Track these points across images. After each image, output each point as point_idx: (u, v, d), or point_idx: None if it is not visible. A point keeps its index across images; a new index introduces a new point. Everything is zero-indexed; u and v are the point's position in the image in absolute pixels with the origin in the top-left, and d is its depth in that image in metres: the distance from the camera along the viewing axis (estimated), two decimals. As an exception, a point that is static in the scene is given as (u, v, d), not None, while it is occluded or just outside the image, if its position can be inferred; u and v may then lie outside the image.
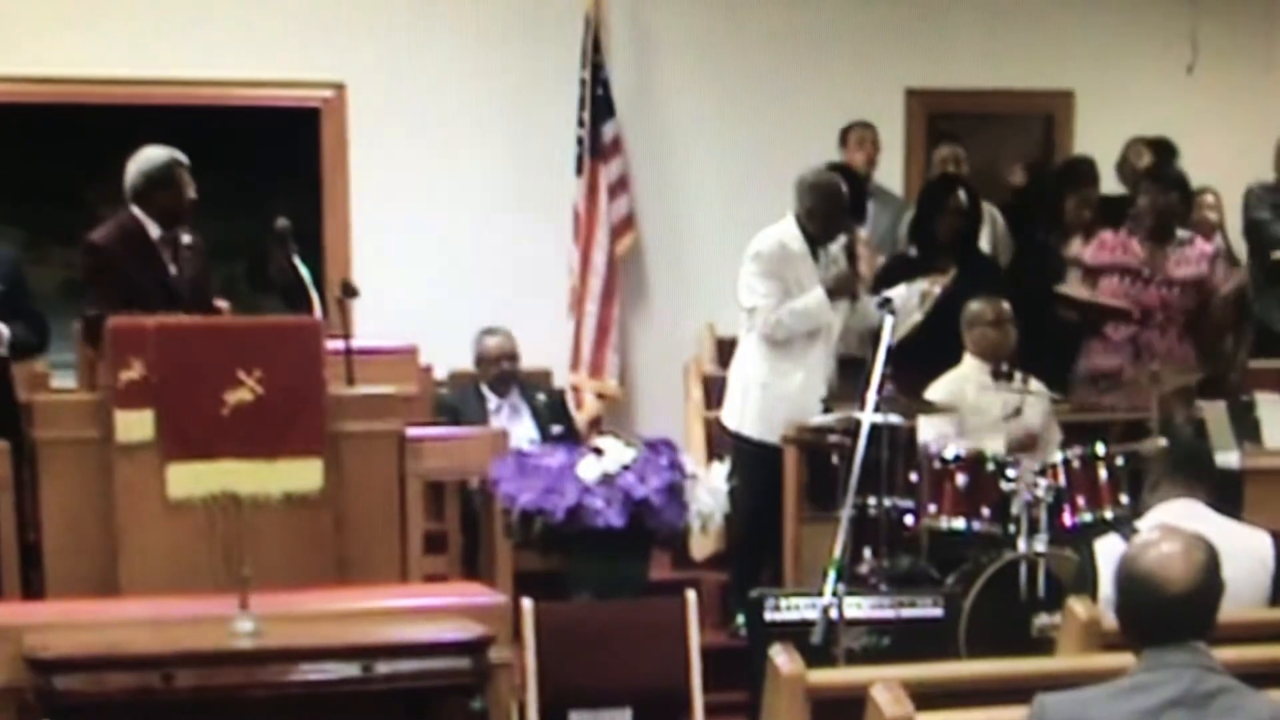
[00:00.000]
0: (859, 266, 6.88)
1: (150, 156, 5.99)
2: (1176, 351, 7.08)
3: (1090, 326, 7.24)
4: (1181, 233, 7.22)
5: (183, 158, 6.01)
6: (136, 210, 5.97)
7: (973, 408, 6.47)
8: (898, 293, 6.42)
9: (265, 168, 7.62)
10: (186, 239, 6.09)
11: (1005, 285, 7.05)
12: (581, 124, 8.14)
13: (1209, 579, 3.08)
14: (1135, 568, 3.09)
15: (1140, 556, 3.09)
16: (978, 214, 7.36)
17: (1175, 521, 3.69)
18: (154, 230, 5.97)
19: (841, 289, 6.63)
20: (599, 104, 8.13)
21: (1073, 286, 7.20)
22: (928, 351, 6.67)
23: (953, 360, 6.65)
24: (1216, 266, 7.27)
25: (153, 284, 5.89)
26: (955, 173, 7.78)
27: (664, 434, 6.03)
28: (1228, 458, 6.29)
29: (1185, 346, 7.16)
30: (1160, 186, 7.19)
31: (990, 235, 7.85)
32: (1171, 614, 3.04)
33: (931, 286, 6.89)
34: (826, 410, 6.51)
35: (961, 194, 7.22)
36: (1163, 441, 5.89)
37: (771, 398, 6.61)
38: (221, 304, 6.24)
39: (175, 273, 6.00)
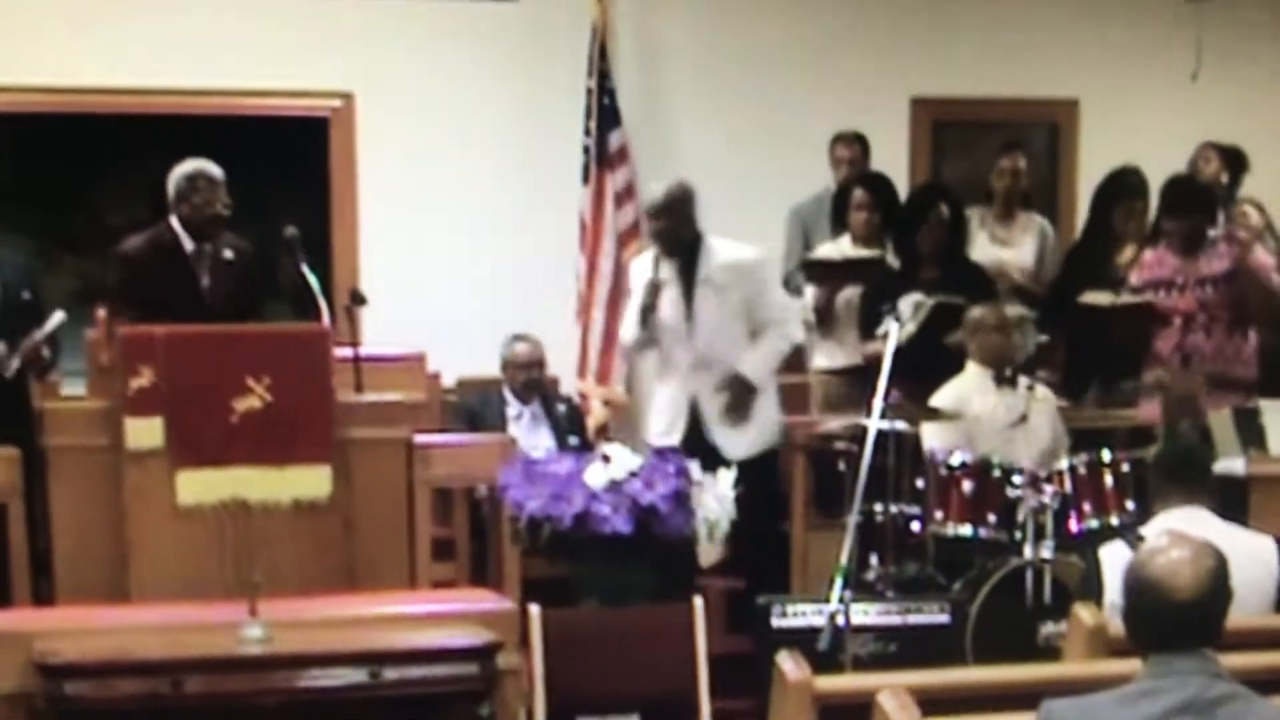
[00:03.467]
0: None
1: (177, 170, 6.01)
2: (1227, 349, 6.87)
3: (1136, 338, 7.09)
4: (1212, 233, 7.13)
5: (210, 170, 6.00)
6: (174, 222, 5.99)
7: (977, 415, 6.48)
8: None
9: (274, 177, 7.62)
10: (228, 254, 6.10)
11: (990, 291, 7.05)
12: (588, 133, 8.13)
13: (1217, 586, 3.09)
14: (1143, 574, 3.09)
15: (1149, 562, 3.10)
16: (961, 224, 7.30)
17: (1179, 528, 3.69)
18: (188, 243, 5.98)
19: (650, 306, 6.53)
20: (605, 113, 8.13)
21: (1093, 295, 7.09)
22: (920, 361, 6.65)
23: (944, 368, 6.63)
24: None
25: (179, 296, 5.90)
26: (938, 182, 7.73)
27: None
28: (1233, 465, 6.29)
29: (1237, 341, 6.91)
30: (1175, 216, 7.03)
31: (1039, 248, 7.84)
32: (1179, 620, 3.05)
33: (924, 296, 6.90)
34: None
35: (943, 206, 7.15)
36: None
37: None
38: None
39: (208, 285, 6.00)
